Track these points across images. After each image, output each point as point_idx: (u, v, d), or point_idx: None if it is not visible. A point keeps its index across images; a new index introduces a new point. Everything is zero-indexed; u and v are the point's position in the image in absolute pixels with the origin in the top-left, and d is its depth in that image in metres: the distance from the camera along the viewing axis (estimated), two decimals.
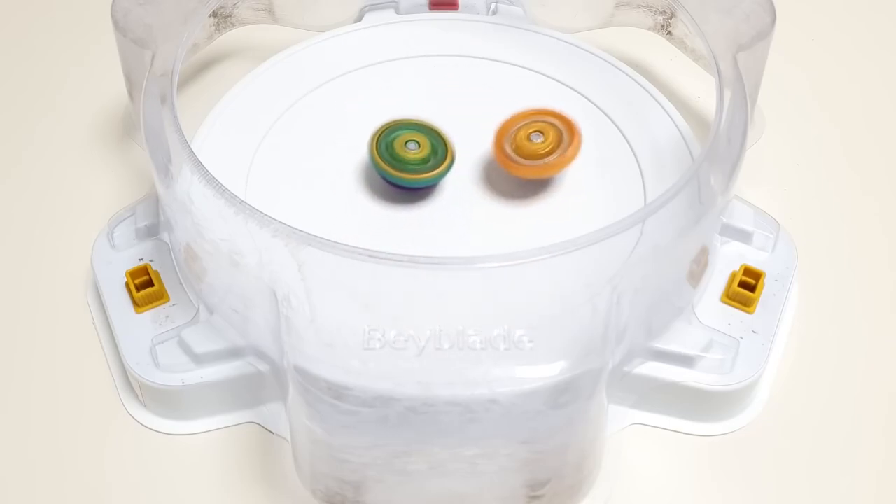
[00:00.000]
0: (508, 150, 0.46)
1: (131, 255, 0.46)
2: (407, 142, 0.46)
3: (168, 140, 0.42)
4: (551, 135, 0.46)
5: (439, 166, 0.46)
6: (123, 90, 0.50)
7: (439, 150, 0.46)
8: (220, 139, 0.48)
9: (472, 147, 0.48)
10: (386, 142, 0.46)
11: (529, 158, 0.46)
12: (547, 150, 0.46)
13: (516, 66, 0.52)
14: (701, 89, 0.54)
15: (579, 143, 0.46)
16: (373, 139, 0.46)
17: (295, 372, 0.37)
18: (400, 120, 0.47)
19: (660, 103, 0.50)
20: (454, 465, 0.38)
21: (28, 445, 0.43)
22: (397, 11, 0.55)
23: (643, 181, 0.47)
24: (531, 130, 0.46)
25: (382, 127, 0.46)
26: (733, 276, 0.45)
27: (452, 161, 0.46)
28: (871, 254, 0.49)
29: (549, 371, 0.37)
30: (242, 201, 0.40)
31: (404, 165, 0.45)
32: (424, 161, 0.46)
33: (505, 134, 0.47)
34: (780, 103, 0.54)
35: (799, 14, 0.59)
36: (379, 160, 0.45)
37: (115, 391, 0.44)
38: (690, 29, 0.48)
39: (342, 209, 0.46)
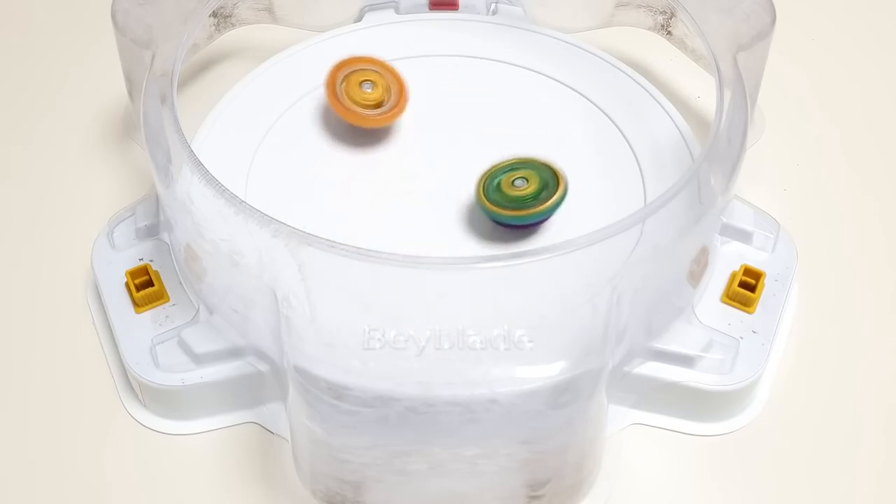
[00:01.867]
0: (340, 92, 0.47)
1: (131, 255, 0.46)
2: (514, 180, 0.44)
3: (168, 140, 0.42)
4: (381, 87, 0.48)
5: (551, 198, 0.44)
6: (123, 90, 0.50)
7: (549, 182, 0.44)
8: (220, 139, 0.48)
9: (472, 147, 0.48)
10: (492, 184, 0.45)
11: (359, 105, 0.47)
12: (374, 102, 0.47)
13: (516, 66, 0.52)
14: (701, 89, 0.54)
15: (405, 104, 0.48)
16: (478, 185, 0.45)
17: (295, 372, 0.37)
18: (502, 162, 0.45)
19: (660, 103, 0.50)
20: (454, 465, 0.38)
21: (28, 445, 0.43)
22: (397, 11, 0.55)
23: (643, 181, 0.47)
24: (363, 79, 0.48)
25: (486, 172, 0.45)
26: (733, 276, 0.45)
27: (566, 191, 0.44)
28: (871, 254, 0.49)
29: (549, 371, 0.37)
30: (242, 201, 0.40)
31: (516, 203, 0.44)
32: (535, 195, 0.44)
33: (338, 72, 0.48)
34: (780, 103, 0.54)
35: (799, 14, 0.59)
36: (489, 204, 0.44)
37: (115, 391, 0.44)
38: (690, 29, 0.48)
39: (342, 209, 0.46)
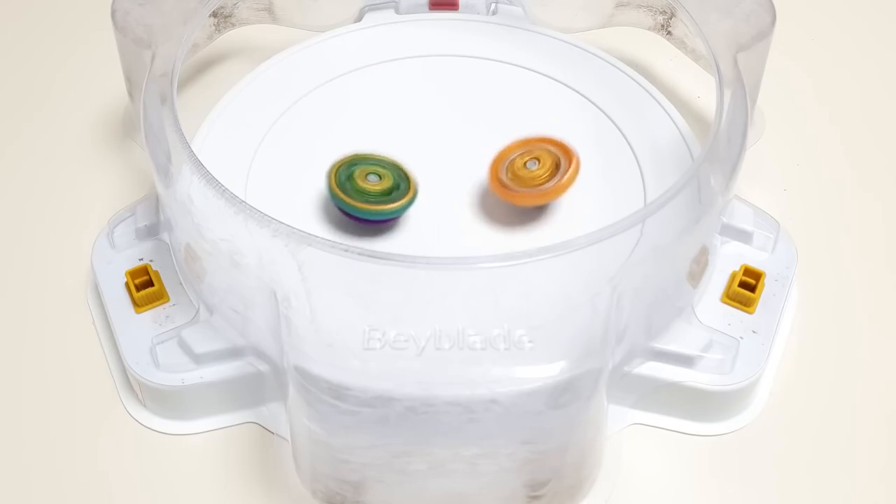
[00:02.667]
0: (505, 179, 0.45)
1: (131, 255, 0.46)
2: (368, 174, 0.45)
3: (168, 140, 0.42)
4: (548, 161, 0.45)
5: (402, 199, 0.44)
6: (123, 90, 0.50)
7: (401, 184, 0.45)
8: (220, 139, 0.48)
9: (472, 147, 0.48)
10: (346, 174, 0.45)
11: (526, 186, 0.45)
12: (544, 177, 0.45)
13: (516, 66, 0.52)
14: (701, 89, 0.54)
15: (577, 168, 0.45)
16: (330, 173, 0.45)
17: (295, 372, 0.37)
18: (359, 155, 0.45)
19: (660, 103, 0.50)
20: (454, 465, 0.38)
21: (28, 445, 0.43)
22: (397, 11, 0.55)
23: (643, 181, 0.47)
24: (527, 158, 0.45)
25: (339, 162, 0.45)
26: (733, 276, 0.45)
27: (415, 195, 0.45)
28: (871, 254, 0.49)
29: (549, 371, 0.37)
30: (242, 201, 0.40)
31: (366, 197, 0.44)
32: (386, 193, 0.44)
33: (501, 162, 0.46)
34: (780, 103, 0.54)
35: (799, 14, 0.59)
36: (338, 191, 0.44)
37: (115, 391, 0.44)
38: (690, 29, 0.48)
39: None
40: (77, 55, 0.58)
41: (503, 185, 0.45)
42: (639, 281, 0.39)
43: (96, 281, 0.45)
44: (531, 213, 0.46)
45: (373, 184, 0.45)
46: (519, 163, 0.45)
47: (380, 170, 0.45)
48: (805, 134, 0.54)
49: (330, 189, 0.44)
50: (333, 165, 0.45)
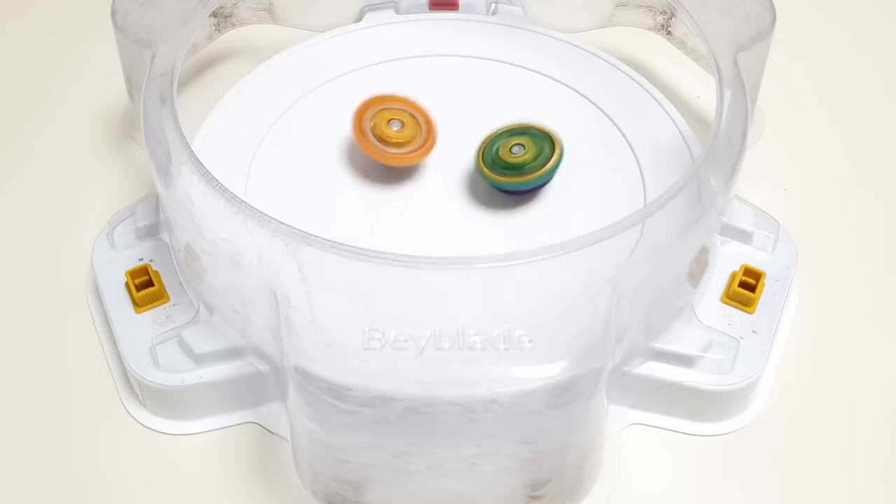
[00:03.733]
0: (367, 130, 0.46)
1: (131, 255, 0.46)
2: (512, 146, 0.46)
3: (168, 140, 0.42)
4: (410, 126, 0.47)
5: (547, 162, 0.45)
6: (123, 90, 0.50)
7: (545, 147, 0.46)
8: (220, 139, 0.48)
9: (472, 147, 0.48)
10: (490, 152, 0.46)
11: (386, 144, 0.46)
12: (403, 140, 0.46)
13: (516, 66, 0.52)
14: (701, 89, 0.54)
15: (433, 143, 0.47)
16: (477, 153, 0.46)
17: (295, 372, 0.37)
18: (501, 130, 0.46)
19: (660, 103, 0.50)
20: (454, 465, 0.38)
21: (28, 445, 0.43)
22: (397, 11, 0.55)
23: (643, 181, 0.47)
24: (390, 117, 0.47)
25: (485, 140, 0.46)
26: (733, 276, 0.45)
27: (562, 154, 0.45)
28: (871, 254, 0.49)
29: (549, 371, 0.37)
30: (242, 201, 0.40)
31: (513, 171, 0.45)
32: (533, 160, 0.45)
33: (365, 113, 0.47)
34: (780, 103, 0.54)
35: (799, 14, 0.59)
36: (488, 172, 0.45)
37: (115, 391, 0.44)
38: (690, 29, 0.48)
39: (342, 209, 0.46)
40: (77, 55, 0.58)
41: (364, 136, 0.46)
42: (639, 281, 0.39)
43: (96, 281, 0.46)
44: (532, 213, 0.46)
45: (517, 156, 0.45)
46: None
47: (523, 139, 0.46)
48: (805, 134, 0.54)
49: (479, 171, 0.46)
50: (478, 147, 0.46)
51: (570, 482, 0.40)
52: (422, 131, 0.47)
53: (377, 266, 0.38)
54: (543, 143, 0.46)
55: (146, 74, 0.45)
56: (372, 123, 0.47)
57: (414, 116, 0.47)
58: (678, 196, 0.40)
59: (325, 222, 0.45)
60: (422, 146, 0.47)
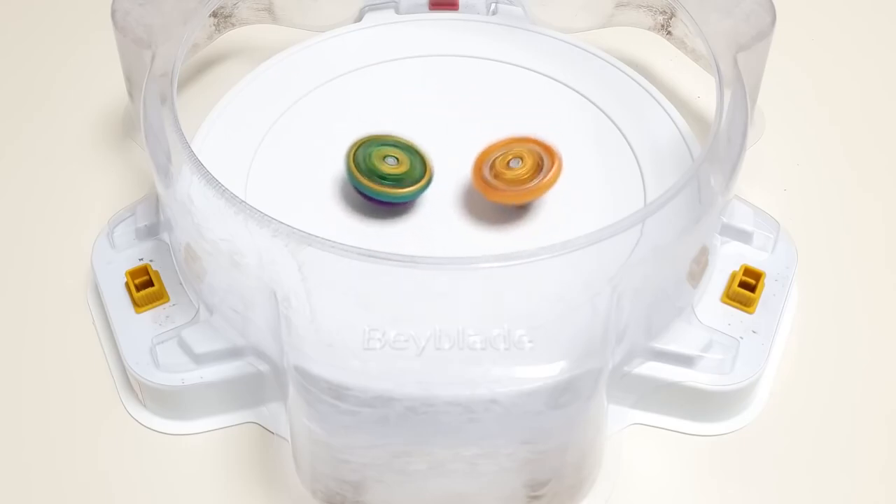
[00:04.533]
0: (488, 176, 0.45)
1: (131, 255, 0.46)
2: (386, 156, 0.45)
3: (168, 140, 0.42)
4: (530, 161, 0.45)
5: (416, 183, 0.45)
6: (123, 90, 0.50)
7: (417, 168, 0.46)
8: (220, 139, 0.48)
9: (472, 147, 0.48)
10: (364, 154, 0.45)
11: (509, 184, 0.45)
12: (526, 175, 0.45)
13: (516, 66, 0.52)
14: (701, 89, 0.54)
15: (559, 168, 0.45)
16: (349, 152, 0.46)
17: (295, 372, 0.37)
18: (377, 136, 0.46)
19: (660, 103, 0.50)
20: (454, 465, 0.38)
21: (28, 445, 0.43)
22: (397, 11, 0.55)
23: (643, 181, 0.47)
24: (510, 157, 0.46)
25: (358, 141, 0.46)
26: (733, 276, 0.45)
27: (430, 179, 0.45)
28: (871, 254, 0.49)
29: (549, 371, 0.37)
30: (242, 201, 0.40)
31: (382, 180, 0.45)
32: (402, 177, 0.45)
33: (484, 160, 0.46)
34: (780, 103, 0.54)
35: (799, 14, 0.59)
36: (356, 173, 0.45)
37: (115, 391, 0.44)
38: (690, 29, 0.48)
39: (342, 209, 0.46)
40: (77, 55, 0.58)
41: (487, 184, 0.45)
42: (639, 281, 0.39)
43: (96, 281, 0.46)
44: (531, 214, 0.46)
45: (391, 167, 0.45)
46: (502, 161, 0.45)
47: (398, 153, 0.45)
48: (805, 134, 0.54)
49: (348, 169, 0.45)
50: (352, 145, 0.45)
51: (570, 482, 0.40)
52: (544, 162, 0.46)
53: (377, 266, 0.38)
54: (416, 161, 0.45)
55: (146, 74, 0.45)
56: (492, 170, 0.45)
57: (532, 150, 0.46)
58: (678, 196, 0.40)
59: (325, 222, 0.45)
60: (550, 171, 0.45)
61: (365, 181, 0.45)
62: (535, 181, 0.45)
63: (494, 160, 0.46)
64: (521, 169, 0.45)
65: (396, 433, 0.37)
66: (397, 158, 0.45)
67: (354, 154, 0.45)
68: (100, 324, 0.46)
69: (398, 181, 0.45)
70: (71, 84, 0.56)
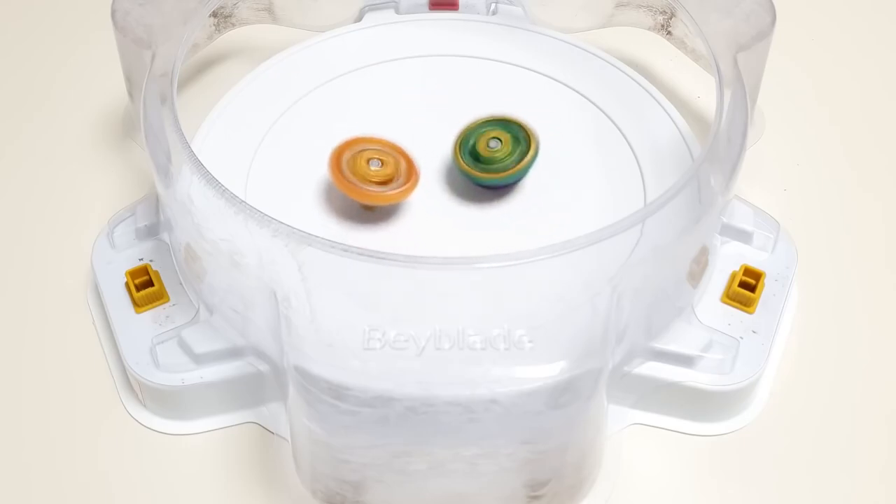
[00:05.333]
0: (346, 171, 0.45)
1: (131, 255, 0.46)
2: (489, 140, 0.46)
3: (168, 140, 0.42)
4: (391, 166, 0.45)
5: (524, 157, 0.46)
6: (123, 90, 0.50)
7: (521, 141, 0.46)
8: (220, 139, 0.48)
9: None
10: (468, 146, 0.46)
11: (364, 183, 0.45)
12: (383, 180, 0.45)
13: (516, 66, 0.52)
14: (701, 89, 0.54)
15: (415, 182, 0.45)
16: (455, 146, 0.46)
17: (295, 372, 0.37)
18: (478, 120, 0.47)
19: (660, 103, 0.50)
20: (454, 465, 0.38)
21: (27, 445, 0.43)
22: (397, 11, 0.55)
23: (643, 181, 0.47)
24: (489, 138, 0.46)
25: (462, 132, 0.46)
26: (733, 276, 0.45)
27: (537, 149, 0.46)
28: (871, 254, 0.49)
29: (549, 371, 0.37)
30: (242, 201, 0.40)
31: (490, 165, 0.45)
32: (509, 155, 0.46)
33: (462, 141, 0.47)
34: (780, 103, 0.54)
35: (799, 14, 0.59)
36: (465, 166, 0.45)
37: (115, 391, 0.44)
38: (690, 29, 0.48)
39: (342, 209, 0.46)
40: (77, 55, 0.58)
41: (343, 177, 0.45)
42: (639, 281, 0.39)
43: (96, 281, 0.46)
44: (531, 213, 0.46)
45: (494, 150, 0.45)
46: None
47: (499, 133, 0.46)
48: (805, 134, 0.54)
49: (458, 166, 0.46)
50: (456, 139, 0.46)
51: (570, 482, 0.40)
52: (401, 170, 0.46)
53: (377, 266, 0.38)
54: (520, 138, 0.46)
55: (146, 74, 0.45)
56: (350, 164, 0.45)
57: (393, 156, 0.46)
58: (678, 196, 0.40)
59: (325, 222, 0.45)
60: (404, 184, 0.45)
61: (477, 173, 0.45)
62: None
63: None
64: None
65: (396, 433, 0.37)
66: (500, 139, 0.46)
67: (460, 149, 0.46)
68: (100, 324, 0.46)
69: (506, 162, 0.45)
70: (71, 84, 0.56)
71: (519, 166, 0.45)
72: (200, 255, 0.42)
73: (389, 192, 0.45)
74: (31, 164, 0.53)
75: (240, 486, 0.42)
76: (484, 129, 0.46)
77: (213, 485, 0.42)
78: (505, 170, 0.45)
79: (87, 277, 0.47)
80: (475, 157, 0.46)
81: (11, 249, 0.49)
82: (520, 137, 0.46)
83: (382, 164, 0.45)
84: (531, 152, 0.46)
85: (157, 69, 0.45)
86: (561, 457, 0.39)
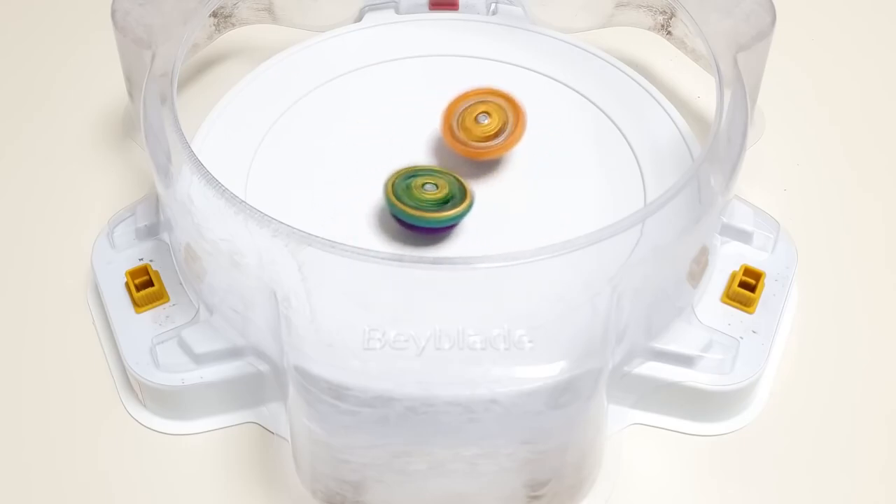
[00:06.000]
0: (458, 132, 0.47)
1: (131, 255, 0.46)
2: (424, 184, 0.45)
3: (168, 140, 0.42)
4: (497, 117, 0.47)
5: (458, 206, 0.44)
6: (123, 90, 0.50)
7: (456, 192, 0.45)
8: (220, 139, 0.48)
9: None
10: (403, 185, 0.45)
11: (478, 141, 0.47)
12: (494, 131, 0.47)
13: (516, 66, 0.52)
14: (701, 89, 0.54)
15: (524, 124, 0.47)
16: (387, 184, 0.45)
17: (295, 372, 0.37)
18: (414, 167, 0.46)
19: (660, 103, 0.50)
20: (454, 465, 0.38)
21: (28, 445, 0.43)
22: (397, 11, 0.55)
23: (643, 181, 0.47)
24: (477, 112, 0.47)
25: (397, 172, 0.46)
26: (733, 276, 0.45)
27: (471, 203, 0.45)
28: (871, 254, 0.49)
29: (549, 371, 0.37)
30: (242, 201, 0.40)
31: (422, 205, 0.44)
32: (444, 201, 0.45)
33: (452, 116, 0.47)
34: (780, 103, 0.54)
35: (799, 14, 0.59)
36: (395, 201, 0.44)
37: (115, 391, 0.44)
38: (690, 29, 0.48)
39: (342, 209, 0.46)
40: (77, 55, 0.58)
41: (455, 139, 0.47)
42: (639, 281, 0.39)
43: (96, 281, 0.46)
44: (532, 213, 0.46)
45: (430, 192, 0.45)
46: (469, 117, 0.47)
47: (437, 180, 0.45)
48: (805, 134, 0.54)
49: (387, 198, 0.45)
50: (390, 177, 0.45)
51: (570, 482, 0.40)
52: (509, 120, 0.47)
53: (377, 266, 0.38)
54: (456, 190, 0.45)
55: (146, 74, 0.45)
56: (460, 121, 0.47)
57: (501, 106, 0.47)
58: (678, 196, 0.40)
59: (325, 222, 0.45)
60: (513, 133, 0.47)
61: (405, 208, 0.44)
62: (502, 138, 0.46)
63: (462, 113, 0.47)
64: (488, 125, 0.46)
65: (396, 433, 0.37)
66: (436, 185, 0.45)
67: (393, 185, 0.45)
68: (100, 324, 0.46)
69: (439, 206, 0.45)
70: (71, 84, 0.56)
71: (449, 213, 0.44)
72: (200, 255, 0.42)
73: (494, 145, 0.46)
74: (31, 164, 0.53)
75: (240, 486, 0.42)
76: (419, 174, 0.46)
77: (213, 485, 0.42)
78: (434, 212, 0.44)
79: (87, 277, 0.47)
80: (408, 195, 0.45)
81: (11, 249, 0.49)
82: (455, 189, 0.45)
83: (489, 116, 0.47)
84: (465, 204, 0.45)
85: (157, 69, 0.45)
86: (561, 457, 0.39)
